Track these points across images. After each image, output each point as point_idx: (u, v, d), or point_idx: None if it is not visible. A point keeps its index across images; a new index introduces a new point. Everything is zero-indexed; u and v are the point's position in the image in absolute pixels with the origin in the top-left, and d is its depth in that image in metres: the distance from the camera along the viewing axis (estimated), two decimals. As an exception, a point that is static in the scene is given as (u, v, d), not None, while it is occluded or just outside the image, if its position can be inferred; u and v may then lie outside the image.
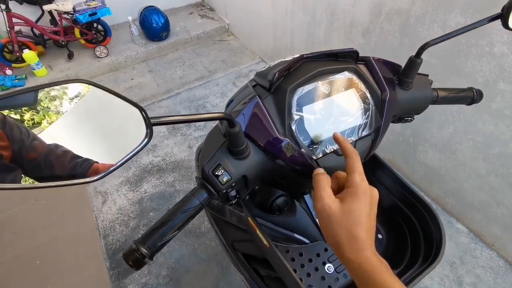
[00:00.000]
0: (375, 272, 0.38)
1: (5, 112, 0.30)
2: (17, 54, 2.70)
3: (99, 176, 0.33)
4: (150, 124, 0.33)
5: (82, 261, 1.65)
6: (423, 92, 0.63)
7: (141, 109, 0.33)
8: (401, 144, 1.82)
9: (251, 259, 0.82)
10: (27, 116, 0.32)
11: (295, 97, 0.51)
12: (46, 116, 0.34)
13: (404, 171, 1.90)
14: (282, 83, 0.51)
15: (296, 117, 0.50)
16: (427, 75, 0.64)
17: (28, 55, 2.63)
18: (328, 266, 0.75)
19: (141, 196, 1.95)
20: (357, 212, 0.40)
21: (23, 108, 0.32)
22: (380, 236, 0.79)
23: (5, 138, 0.30)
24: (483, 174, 1.47)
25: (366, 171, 0.76)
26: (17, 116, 0.32)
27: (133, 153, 0.33)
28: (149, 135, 0.33)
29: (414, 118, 0.65)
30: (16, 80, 2.72)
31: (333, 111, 0.53)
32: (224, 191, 0.47)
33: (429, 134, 1.62)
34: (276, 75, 0.49)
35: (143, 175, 2.08)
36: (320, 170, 0.45)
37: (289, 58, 0.55)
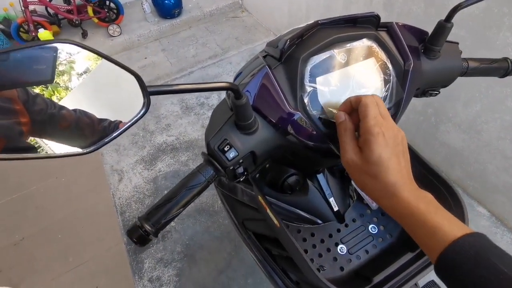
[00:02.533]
0: (415, 215, 0.37)
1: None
2: (33, 34, 2.72)
3: (94, 147, 0.31)
4: (147, 93, 0.31)
5: (101, 235, 1.71)
6: (452, 61, 0.56)
7: (137, 77, 0.30)
8: (422, 124, 1.73)
9: (262, 238, 0.81)
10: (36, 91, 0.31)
11: (308, 67, 0.46)
12: (56, 92, 0.33)
13: (424, 152, 1.82)
14: (294, 51, 0.47)
15: (309, 88, 0.46)
16: (457, 43, 0.58)
17: (43, 34, 2.64)
18: (341, 247, 0.73)
19: (156, 174, 1.98)
20: (375, 158, 0.38)
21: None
22: (396, 217, 0.76)
23: (26, 114, 0.29)
24: (509, 156, 1.38)
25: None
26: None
27: (129, 124, 0.31)
28: (147, 104, 0.31)
29: (439, 92, 0.60)
30: (33, 60, 2.75)
31: (349, 82, 0.48)
32: (231, 167, 0.45)
33: (453, 113, 1.53)
34: (288, 42, 0.45)
35: (158, 154, 2.10)
36: (342, 117, 0.43)
37: (303, 25, 0.50)
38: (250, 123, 0.43)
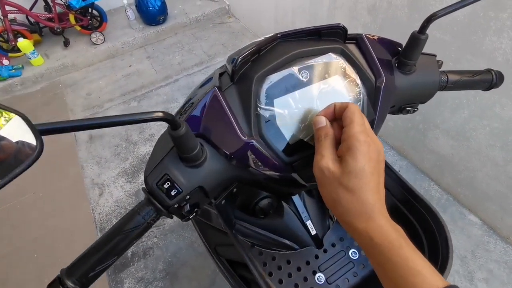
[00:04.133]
0: (391, 247, 0.31)
1: None
2: (13, 43, 2.64)
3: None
4: (37, 132, 0.24)
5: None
6: (429, 76, 0.51)
7: (23, 117, 0.24)
8: (410, 130, 1.69)
9: (236, 263, 0.75)
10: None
11: (264, 88, 0.40)
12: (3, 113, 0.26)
13: (413, 159, 1.78)
14: (248, 70, 0.41)
15: (265, 112, 0.41)
16: (435, 55, 0.52)
17: (23, 43, 2.56)
18: (319, 276, 0.66)
19: (138, 187, 1.90)
20: (358, 169, 0.33)
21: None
22: (378, 241, 0.70)
23: None
24: (500, 163, 1.34)
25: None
26: None
27: (18, 170, 0.24)
28: (39, 147, 0.24)
29: (417, 109, 0.54)
30: (13, 70, 2.67)
31: (313, 103, 0.43)
32: (176, 205, 0.39)
33: (441, 119, 1.49)
34: (239, 60, 0.39)
35: (141, 166, 2.03)
36: (323, 122, 0.38)
37: (261, 38, 0.44)
38: (195, 154, 0.37)
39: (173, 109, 2.36)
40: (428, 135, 1.60)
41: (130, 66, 2.86)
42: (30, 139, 0.25)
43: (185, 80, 2.64)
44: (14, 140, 0.24)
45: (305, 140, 0.43)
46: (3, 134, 0.24)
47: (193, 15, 3.20)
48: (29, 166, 0.24)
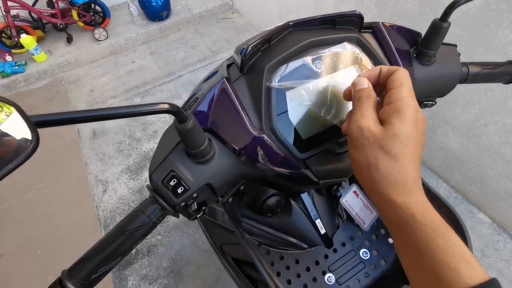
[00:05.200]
0: (435, 227, 0.27)
1: None
2: (15, 39, 2.63)
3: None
4: (32, 125, 0.22)
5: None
6: (450, 67, 0.48)
7: (17, 107, 0.22)
8: (418, 127, 1.65)
9: (242, 262, 0.73)
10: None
11: (276, 79, 0.38)
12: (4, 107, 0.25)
13: (422, 157, 1.71)
14: (259, 60, 0.39)
15: (277, 105, 0.38)
16: (455, 45, 0.49)
17: (26, 40, 2.55)
18: (329, 277, 0.64)
19: (142, 184, 1.89)
20: (405, 135, 0.29)
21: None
22: (390, 240, 0.68)
23: None
24: (511, 160, 1.31)
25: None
26: None
27: (12, 166, 0.22)
28: (35, 139, 0.22)
29: (435, 102, 0.52)
30: (16, 67, 2.66)
31: (327, 96, 0.40)
32: (183, 204, 0.37)
33: (451, 116, 1.45)
34: (249, 49, 0.37)
35: (144, 162, 2.01)
36: (365, 84, 0.34)
37: (273, 27, 0.42)
38: (203, 150, 0.35)
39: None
40: (437, 132, 1.56)
41: (133, 62, 2.84)
42: (26, 132, 0.22)
43: (188, 76, 2.62)
44: (11, 135, 0.22)
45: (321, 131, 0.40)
46: (4, 129, 0.22)
47: (196, 11, 3.17)
48: (24, 160, 0.22)
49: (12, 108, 0.23)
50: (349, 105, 0.40)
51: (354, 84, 0.35)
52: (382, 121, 0.31)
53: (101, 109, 0.26)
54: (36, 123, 0.22)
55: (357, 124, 0.31)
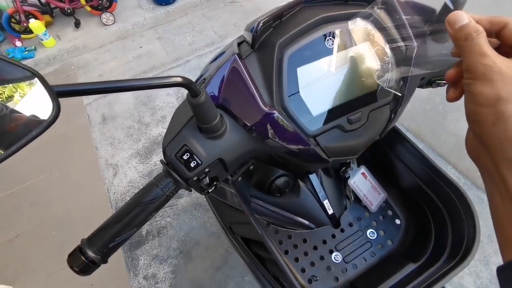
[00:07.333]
0: None
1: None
2: (24, 24, 2.64)
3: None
4: (54, 94, 0.23)
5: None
6: None
7: (39, 77, 0.23)
8: (429, 112, 1.63)
9: (251, 242, 0.75)
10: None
11: (287, 55, 0.38)
12: (18, 89, 0.26)
13: (431, 142, 1.72)
14: (270, 36, 0.39)
15: (288, 81, 0.38)
16: (471, 22, 0.48)
17: (34, 24, 2.56)
18: (336, 255, 0.66)
19: (151, 168, 1.92)
20: None
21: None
22: (398, 221, 0.68)
23: None
24: (524, 146, 1.28)
25: (384, 145, 0.63)
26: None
27: (36, 132, 0.23)
28: (56, 109, 0.23)
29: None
30: (26, 52, 2.68)
31: (339, 72, 0.40)
32: (195, 178, 0.38)
33: (462, 100, 1.42)
34: (261, 25, 0.37)
35: (153, 147, 2.04)
36: (464, 19, 0.30)
37: (284, 4, 0.41)
38: (215, 125, 0.35)
39: (184, 91, 2.34)
40: (448, 117, 1.54)
41: (140, 47, 2.83)
42: (47, 105, 0.23)
43: (196, 61, 2.61)
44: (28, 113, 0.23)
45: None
46: (19, 109, 0.23)
47: (203, -6, 3.12)
48: (47, 127, 0.23)
49: (27, 89, 0.23)
50: (370, 78, 0.40)
51: (451, 22, 0.31)
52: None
53: (117, 81, 0.26)
54: (57, 92, 0.23)
55: (482, 63, 0.29)
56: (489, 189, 0.30)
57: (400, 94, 0.42)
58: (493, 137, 0.28)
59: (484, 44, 0.29)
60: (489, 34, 0.31)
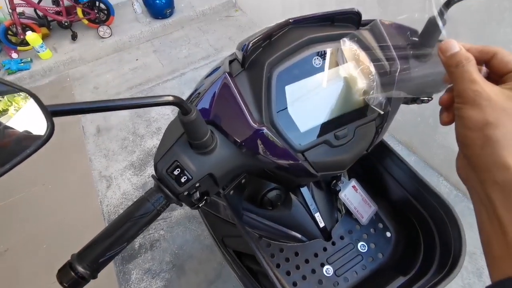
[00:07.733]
0: None
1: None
2: (21, 36, 2.66)
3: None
4: (48, 114, 0.24)
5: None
6: None
7: (34, 97, 0.24)
8: (419, 125, 1.66)
9: (243, 255, 0.75)
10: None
11: (276, 73, 0.40)
12: (13, 102, 0.27)
13: (422, 154, 1.75)
14: (260, 55, 0.40)
15: (276, 99, 0.40)
16: (452, 43, 0.50)
17: (31, 37, 2.58)
18: (327, 268, 0.66)
19: (145, 180, 1.91)
20: None
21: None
22: (388, 234, 0.69)
23: None
24: (512, 158, 1.31)
25: (373, 158, 0.64)
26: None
27: (30, 151, 0.24)
28: (50, 129, 0.24)
29: (432, 98, 0.53)
30: (22, 64, 2.69)
31: (326, 91, 0.42)
32: (186, 193, 0.38)
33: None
34: (250, 45, 0.38)
35: (147, 159, 2.03)
36: (455, 47, 0.32)
37: (273, 24, 0.43)
38: (205, 141, 0.36)
39: (180, 103, 2.36)
40: (438, 130, 1.57)
41: (137, 59, 2.86)
42: (41, 120, 0.24)
43: (191, 73, 2.64)
44: (22, 128, 0.24)
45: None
46: (12, 125, 0.24)
47: (199, 9, 3.19)
48: (41, 146, 0.24)
49: (21, 103, 0.24)
50: (356, 96, 0.42)
51: (443, 50, 0.33)
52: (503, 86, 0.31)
53: (109, 100, 0.27)
54: (52, 112, 0.24)
55: (472, 89, 0.30)
56: (477, 209, 0.31)
57: (382, 112, 0.43)
58: (481, 160, 0.29)
59: (474, 71, 0.31)
60: (479, 62, 0.33)
